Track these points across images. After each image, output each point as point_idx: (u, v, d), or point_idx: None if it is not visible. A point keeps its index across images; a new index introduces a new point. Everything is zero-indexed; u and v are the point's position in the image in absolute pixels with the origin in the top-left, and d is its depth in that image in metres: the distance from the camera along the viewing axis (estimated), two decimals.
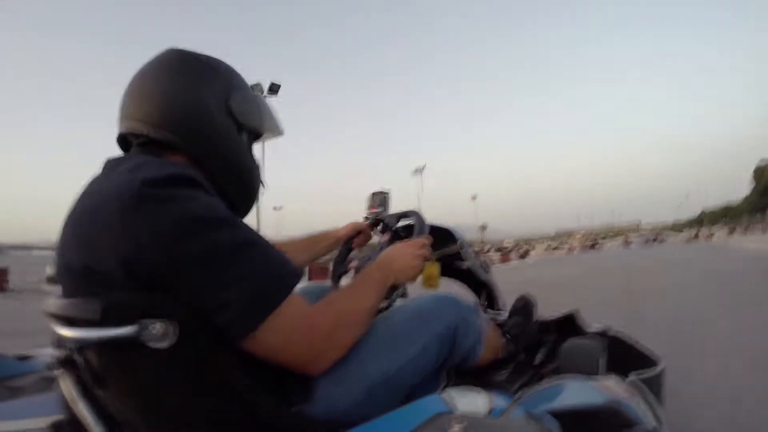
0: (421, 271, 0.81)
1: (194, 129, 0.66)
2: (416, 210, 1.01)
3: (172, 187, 0.54)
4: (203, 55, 0.71)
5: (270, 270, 0.57)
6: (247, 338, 0.54)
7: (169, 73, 0.67)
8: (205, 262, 0.52)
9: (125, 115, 0.67)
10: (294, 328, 0.57)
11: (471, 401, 0.60)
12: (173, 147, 0.66)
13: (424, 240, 0.84)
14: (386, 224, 1.12)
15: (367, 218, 1.18)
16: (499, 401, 0.62)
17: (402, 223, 1.11)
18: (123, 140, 0.71)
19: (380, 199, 1.17)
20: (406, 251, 0.79)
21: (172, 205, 0.52)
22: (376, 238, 1.16)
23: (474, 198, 61.81)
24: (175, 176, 0.55)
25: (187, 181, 0.56)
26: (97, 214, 0.54)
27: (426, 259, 0.81)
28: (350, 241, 1.13)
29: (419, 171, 46.13)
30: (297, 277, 0.59)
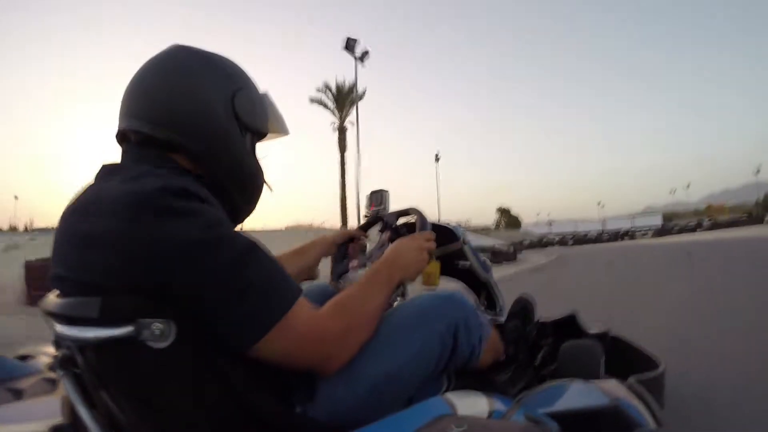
0: (426, 265, 0.81)
1: (196, 128, 0.65)
2: (416, 208, 1.01)
3: (172, 198, 0.53)
4: (208, 52, 0.70)
5: (272, 283, 0.56)
6: (251, 349, 0.54)
7: (173, 70, 0.66)
8: (207, 279, 0.52)
9: (125, 112, 0.66)
10: (302, 335, 0.57)
11: (472, 404, 0.60)
12: (173, 146, 0.65)
13: (428, 234, 0.84)
14: (386, 222, 1.12)
15: (366, 216, 1.18)
16: (500, 404, 0.63)
17: (402, 220, 1.11)
18: (122, 136, 0.70)
19: (379, 197, 1.17)
20: (412, 245, 0.79)
21: (172, 221, 0.52)
22: (371, 244, 1.16)
23: None
24: (174, 188, 0.55)
25: (186, 193, 0.56)
26: (95, 225, 0.53)
27: (430, 254, 0.81)
28: (345, 245, 1.13)
29: None
30: (298, 291, 0.59)
